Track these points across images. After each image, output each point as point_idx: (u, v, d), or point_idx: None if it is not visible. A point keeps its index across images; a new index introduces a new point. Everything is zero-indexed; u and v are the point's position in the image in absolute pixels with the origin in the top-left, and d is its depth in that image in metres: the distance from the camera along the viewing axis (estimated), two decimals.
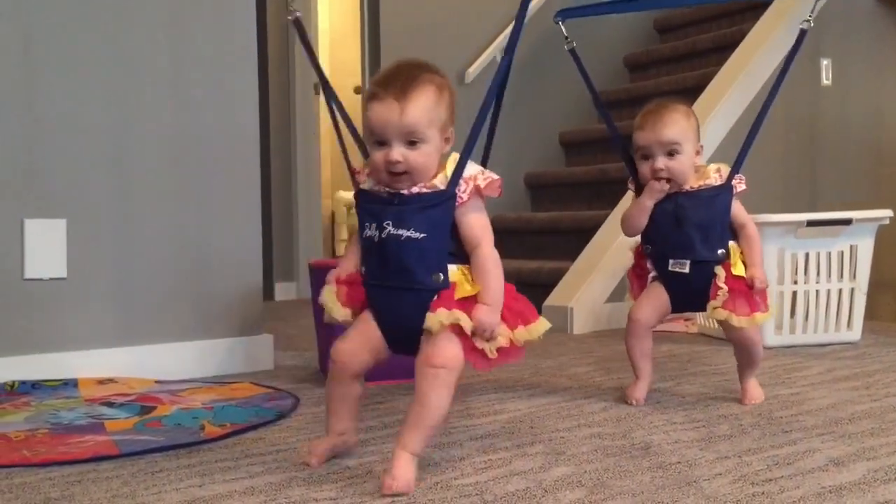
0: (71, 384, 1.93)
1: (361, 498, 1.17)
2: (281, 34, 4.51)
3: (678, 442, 1.45)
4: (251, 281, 2.29)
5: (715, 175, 1.75)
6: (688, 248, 1.73)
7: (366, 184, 1.32)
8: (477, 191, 1.26)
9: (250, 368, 2.24)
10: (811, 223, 2.47)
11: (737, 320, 1.69)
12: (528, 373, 2.15)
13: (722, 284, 1.70)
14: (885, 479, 1.23)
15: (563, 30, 1.96)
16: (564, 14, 1.97)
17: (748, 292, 1.70)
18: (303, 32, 1.51)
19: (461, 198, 1.25)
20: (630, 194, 1.85)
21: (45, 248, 2.00)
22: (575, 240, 3.34)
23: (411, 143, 1.23)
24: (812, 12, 1.75)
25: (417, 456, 1.22)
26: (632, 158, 1.81)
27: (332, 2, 6.47)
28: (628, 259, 1.91)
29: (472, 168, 1.28)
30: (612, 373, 2.13)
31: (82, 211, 2.04)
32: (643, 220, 1.77)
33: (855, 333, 2.57)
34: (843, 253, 2.54)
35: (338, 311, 1.32)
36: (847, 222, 2.50)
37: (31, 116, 1.98)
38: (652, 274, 1.81)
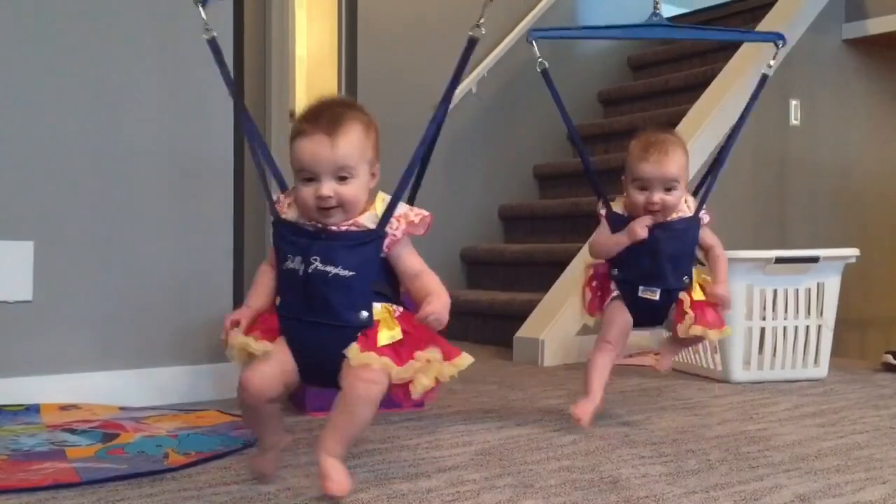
0: (33, 409, 1.89)
1: None
2: (258, 59, 4.51)
3: (646, 476, 1.45)
4: (221, 307, 2.26)
5: (684, 206, 1.79)
6: (660, 278, 1.78)
7: (288, 214, 1.31)
8: (410, 227, 1.28)
9: (218, 396, 2.21)
10: (779, 260, 2.50)
11: (713, 334, 1.78)
12: (497, 404, 2.14)
13: (688, 310, 1.77)
14: None
15: (536, 49, 1.92)
16: (537, 34, 1.97)
17: (714, 308, 1.79)
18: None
19: (395, 235, 1.27)
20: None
21: (11, 271, 1.97)
22: (548, 272, 3.35)
23: (342, 178, 1.25)
24: (774, 59, 1.81)
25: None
26: (600, 189, 1.84)
27: (310, 30, 6.51)
28: (584, 274, 1.93)
29: (401, 207, 1.30)
30: None
31: (51, 234, 2.02)
32: (616, 252, 1.80)
33: (822, 370, 2.60)
34: (810, 290, 2.57)
35: (258, 346, 1.27)
36: (814, 260, 2.53)
37: None
38: (614, 294, 1.83)
